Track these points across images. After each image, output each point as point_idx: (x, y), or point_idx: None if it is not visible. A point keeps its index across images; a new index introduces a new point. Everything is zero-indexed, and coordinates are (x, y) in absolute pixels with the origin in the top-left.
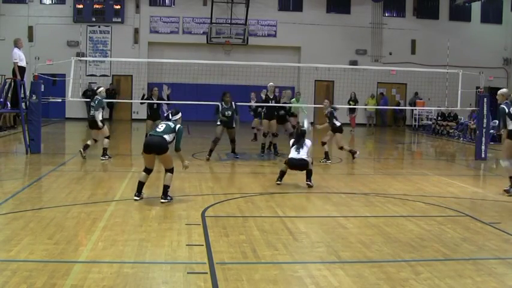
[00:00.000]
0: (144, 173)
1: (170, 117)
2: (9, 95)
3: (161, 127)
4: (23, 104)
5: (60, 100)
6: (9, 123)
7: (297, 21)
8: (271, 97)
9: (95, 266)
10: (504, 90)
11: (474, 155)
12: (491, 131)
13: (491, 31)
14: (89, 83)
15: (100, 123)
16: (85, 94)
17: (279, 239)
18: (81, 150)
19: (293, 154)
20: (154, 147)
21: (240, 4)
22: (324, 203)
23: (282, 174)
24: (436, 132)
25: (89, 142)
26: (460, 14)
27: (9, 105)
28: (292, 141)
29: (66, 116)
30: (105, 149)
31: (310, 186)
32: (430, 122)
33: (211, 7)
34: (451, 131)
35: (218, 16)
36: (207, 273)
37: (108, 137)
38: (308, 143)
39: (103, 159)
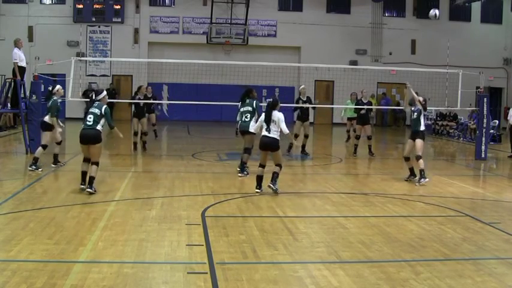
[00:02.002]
0: (84, 162)
1: (94, 97)
2: (9, 95)
3: (90, 119)
4: (23, 104)
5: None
6: (9, 123)
7: (297, 21)
8: (304, 99)
9: (95, 266)
10: None
11: (474, 155)
12: (491, 131)
13: (491, 31)
14: (89, 83)
15: (60, 126)
16: (85, 94)
17: (279, 239)
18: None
19: (264, 131)
20: (89, 139)
21: (240, 4)
22: (324, 203)
23: (259, 179)
24: (436, 132)
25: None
26: (460, 14)
27: (9, 105)
28: (262, 115)
29: (66, 116)
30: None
31: (274, 191)
32: (429, 122)
33: (211, 7)
34: (451, 131)
35: (218, 16)
36: (207, 273)
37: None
38: (279, 116)
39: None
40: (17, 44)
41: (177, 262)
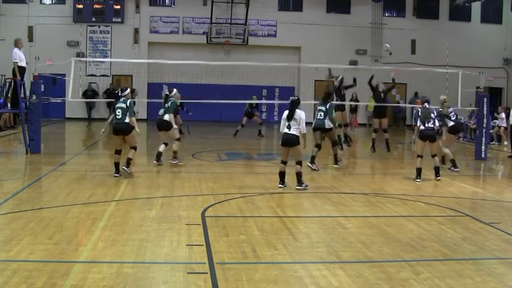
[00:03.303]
0: (116, 155)
1: (120, 93)
2: (9, 95)
3: (119, 113)
4: (23, 104)
5: (60, 100)
6: (9, 123)
7: (297, 21)
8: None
9: (95, 266)
10: None
11: (474, 155)
12: (491, 131)
13: (491, 31)
14: (89, 83)
15: (175, 126)
16: (85, 94)
17: (279, 239)
18: (156, 161)
19: (284, 128)
20: (122, 130)
21: (240, 4)
22: (324, 203)
23: (282, 175)
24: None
25: (160, 149)
26: (460, 14)
27: (9, 105)
28: (284, 114)
29: (66, 116)
30: (174, 152)
31: (304, 189)
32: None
33: (211, 7)
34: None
35: (218, 16)
36: (207, 273)
37: (178, 139)
38: (301, 115)
39: (173, 162)
40: (17, 43)
41: (177, 262)
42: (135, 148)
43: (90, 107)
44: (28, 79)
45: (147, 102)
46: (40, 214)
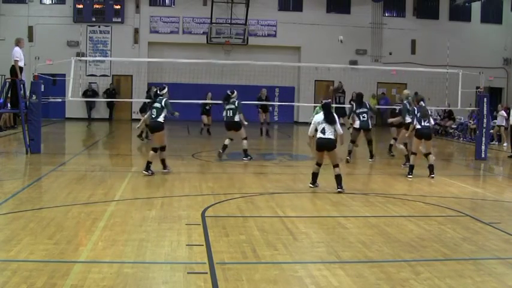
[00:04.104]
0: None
1: (158, 92)
2: (9, 95)
3: (154, 112)
4: (23, 104)
5: (60, 100)
6: (9, 123)
7: (297, 21)
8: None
9: (95, 266)
10: None
11: (474, 155)
12: (491, 131)
13: (491, 31)
14: (89, 83)
15: (245, 123)
16: (85, 94)
17: (279, 239)
18: (220, 151)
19: (318, 133)
20: (154, 129)
21: (240, 4)
22: (324, 203)
23: (314, 176)
24: (436, 132)
25: (226, 142)
26: (460, 14)
27: (9, 105)
28: (319, 117)
29: (66, 116)
30: (245, 150)
31: (342, 191)
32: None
33: (211, 7)
34: (450, 131)
35: (218, 16)
36: (207, 273)
37: (246, 138)
38: (336, 116)
39: (244, 159)
40: (19, 43)
41: (177, 262)
42: (163, 148)
43: (90, 107)
44: (28, 79)
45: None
46: (40, 214)
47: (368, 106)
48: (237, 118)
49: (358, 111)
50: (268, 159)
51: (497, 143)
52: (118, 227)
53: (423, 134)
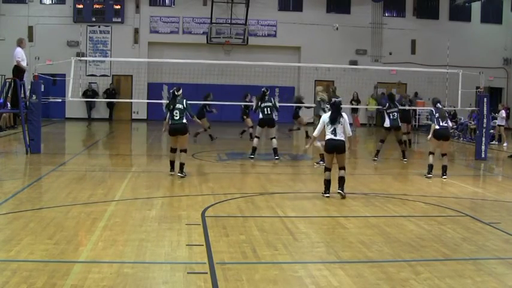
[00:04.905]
0: (172, 153)
1: (176, 93)
2: (9, 95)
3: (176, 114)
4: (23, 104)
5: (60, 100)
6: (9, 123)
7: (297, 21)
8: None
9: (95, 266)
10: None
11: (474, 155)
12: (491, 131)
13: (491, 31)
14: (89, 83)
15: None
16: (85, 94)
17: (279, 239)
18: (252, 156)
19: (329, 135)
20: (178, 131)
21: (240, 4)
22: (324, 203)
23: (327, 183)
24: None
25: (255, 143)
26: (460, 14)
27: (9, 105)
28: (327, 117)
29: (66, 116)
30: (275, 149)
31: (342, 197)
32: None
33: (211, 7)
34: (451, 131)
35: (218, 16)
36: (207, 273)
37: (275, 137)
38: (345, 117)
39: (276, 158)
40: (21, 43)
41: (177, 262)
42: (185, 151)
43: (90, 107)
44: (28, 79)
45: (147, 102)
46: (40, 214)
47: (399, 107)
48: (274, 116)
49: (389, 110)
50: (268, 160)
51: (497, 143)
52: (118, 227)
53: (441, 135)
